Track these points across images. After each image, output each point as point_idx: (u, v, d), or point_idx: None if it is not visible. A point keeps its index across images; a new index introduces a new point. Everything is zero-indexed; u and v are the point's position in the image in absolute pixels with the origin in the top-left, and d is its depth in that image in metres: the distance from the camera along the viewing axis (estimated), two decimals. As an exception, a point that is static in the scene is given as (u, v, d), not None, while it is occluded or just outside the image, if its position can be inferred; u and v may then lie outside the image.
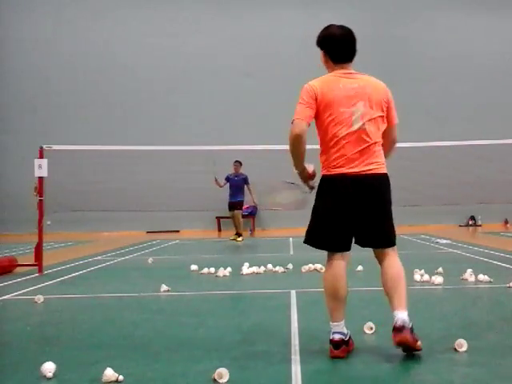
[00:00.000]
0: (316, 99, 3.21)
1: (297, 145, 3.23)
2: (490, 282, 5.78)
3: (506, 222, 17.76)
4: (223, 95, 17.43)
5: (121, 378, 2.78)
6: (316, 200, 3.33)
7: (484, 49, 17.98)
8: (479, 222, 17.78)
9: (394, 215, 3.30)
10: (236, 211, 13.28)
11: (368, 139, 3.21)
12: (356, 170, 3.18)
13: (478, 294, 5.45)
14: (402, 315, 3.07)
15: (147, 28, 17.82)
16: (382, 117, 3.29)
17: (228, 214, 13.98)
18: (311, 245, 3.33)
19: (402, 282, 3.20)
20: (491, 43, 18.01)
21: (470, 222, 17.84)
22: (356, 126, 3.19)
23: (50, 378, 2.84)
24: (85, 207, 14.44)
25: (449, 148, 11.14)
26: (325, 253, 3.29)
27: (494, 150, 12.93)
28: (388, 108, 3.32)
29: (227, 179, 13.41)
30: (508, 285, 5.46)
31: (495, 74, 17.80)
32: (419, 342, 3.12)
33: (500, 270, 6.73)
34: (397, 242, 3.31)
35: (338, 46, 3.31)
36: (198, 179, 16.49)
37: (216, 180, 13.27)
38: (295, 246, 10.97)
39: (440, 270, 6.45)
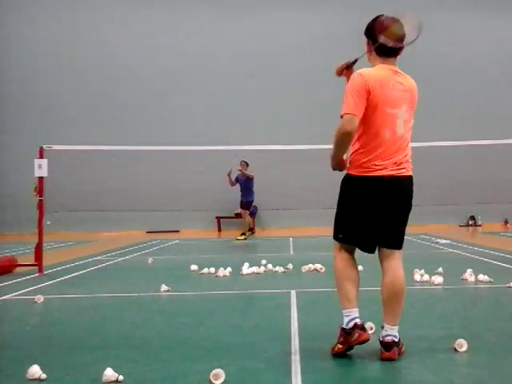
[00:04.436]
0: (369, 94, 3.06)
1: (346, 141, 3.10)
2: (490, 281, 5.79)
3: (506, 222, 17.75)
4: (224, 95, 17.43)
5: (121, 378, 2.78)
6: (347, 198, 3.22)
7: (484, 49, 17.97)
8: (479, 222, 17.77)
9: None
10: (242, 211, 13.43)
11: (405, 145, 3.17)
12: (392, 172, 3.12)
13: (478, 294, 5.45)
14: (392, 332, 3.14)
15: (147, 28, 17.81)
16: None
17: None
18: (344, 241, 3.26)
19: (403, 297, 3.20)
20: (491, 43, 18.00)
21: (470, 222, 17.82)
22: (399, 132, 3.13)
23: (42, 380, 2.84)
24: (85, 207, 14.43)
25: (449, 148, 11.14)
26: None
27: (494, 150, 12.95)
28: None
29: (236, 179, 13.43)
30: (508, 285, 5.47)
31: (495, 74, 17.79)
32: (402, 349, 3.20)
33: (500, 270, 6.73)
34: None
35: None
36: (198, 179, 16.53)
37: (230, 173, 13.18)
38: (295, 245, 10.96)
39: (440, 269, 6.45)
